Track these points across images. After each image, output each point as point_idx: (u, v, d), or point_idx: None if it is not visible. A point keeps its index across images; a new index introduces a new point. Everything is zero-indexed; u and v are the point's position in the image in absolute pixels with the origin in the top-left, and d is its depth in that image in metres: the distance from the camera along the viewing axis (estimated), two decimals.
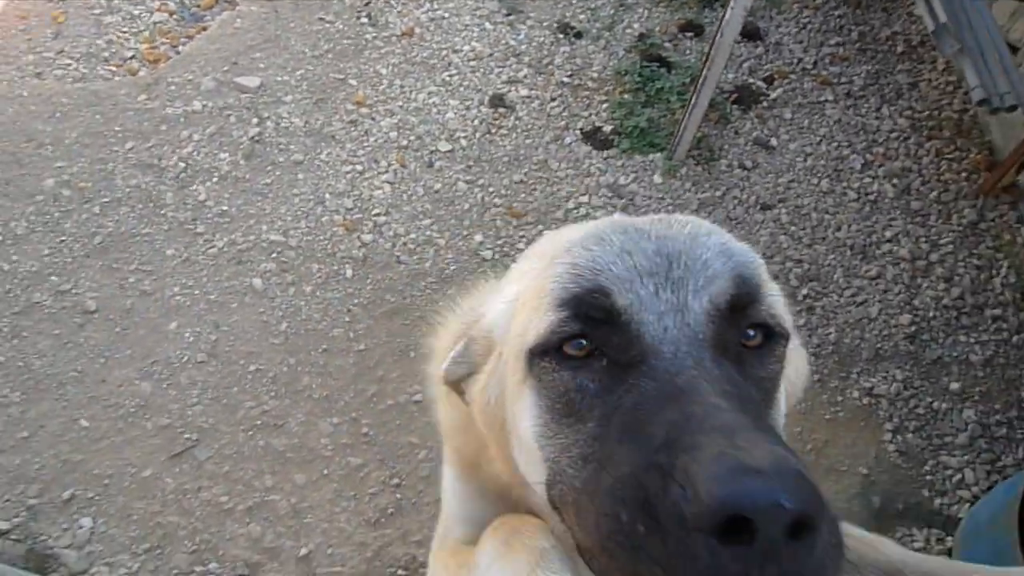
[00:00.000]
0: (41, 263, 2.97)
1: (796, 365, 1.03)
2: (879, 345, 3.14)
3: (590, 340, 0.86)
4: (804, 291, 3.26)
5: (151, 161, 3.31)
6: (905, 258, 3.40)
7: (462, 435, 1.17)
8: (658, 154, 3.60)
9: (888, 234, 3.47)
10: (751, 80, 3.99)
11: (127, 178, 3.25)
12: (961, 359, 3.14)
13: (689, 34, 4.14)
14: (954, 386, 3.06)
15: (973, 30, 2.75)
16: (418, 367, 2.86)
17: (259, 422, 2.70)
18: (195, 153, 3.36)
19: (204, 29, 3.88)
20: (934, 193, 3.64)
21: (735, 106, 3.87)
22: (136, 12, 3.89)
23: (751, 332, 0.89)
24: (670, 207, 3.45)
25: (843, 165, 3.70)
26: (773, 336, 0.90)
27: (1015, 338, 3.19)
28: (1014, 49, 3.76)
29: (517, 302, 0.96)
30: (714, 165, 3.62)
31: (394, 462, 2.67)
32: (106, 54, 3.71)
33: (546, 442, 0.88)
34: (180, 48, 3.79)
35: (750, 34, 4.17)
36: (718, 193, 3.52)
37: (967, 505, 2.77)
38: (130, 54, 3.73)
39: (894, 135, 3.85)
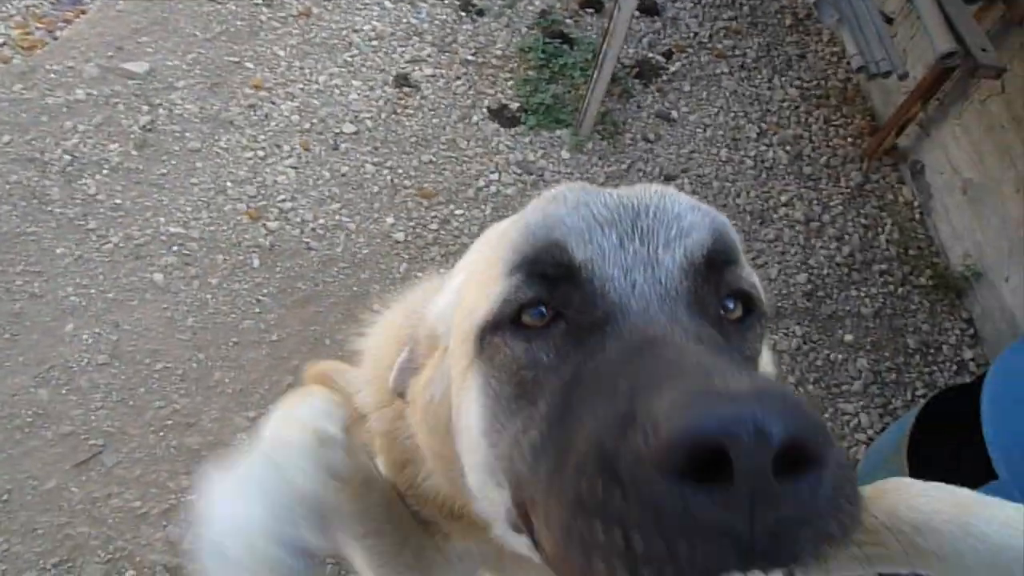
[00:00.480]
0: None
1: (766, 360, 0.89)
2: (779, 304, 3.32)
3: (550, 306, 0.71)
4: None
5: (32, 155, 3.10)
6: (800, 221, 3.59)
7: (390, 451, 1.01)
8: (565, 130, 3.65)
9: (783, 199, 3.66)
10: (651, 55, 4.09)
11: (6, 174, 3.03)
12: (853, 312, 3.35)
13: (589, 10, 4.20)
14: (848, 338, 3.27)
15: (850, 2, 2.92)
16: (333, 355, 2.82)
17: (170, 422, 2.60)
18: (81, 145, 3.17)
19: (83, 12, 3.64)
20: (824, 158, 3.85)
21: (636, 80, 3.96)
22: None
23: (730, 303, 0.76)
24: (578, 181, 3.50)
25: (740, 134, 3.86)
26: (754, 310, 0.79)
27: (900, 290, 3.44)
28: (889, 19, 4.00)
29: (464, 287, 0.83)
30: (619, 139, 3.70)
31: None
32: None
33: (496, 437, 0.72)
34: (58, 33, 3.54)
35: (648, 9, 4.27)
36: (623, 166, 3.61)
37: (863, 447, 2.98)
38: (0, 41, 3.46)
39: (785, 104, 4.04)
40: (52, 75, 3.35)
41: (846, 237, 3.58)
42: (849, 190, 3.75)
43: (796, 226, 3.57)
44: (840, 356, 3.22)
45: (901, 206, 3.73)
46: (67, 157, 3.12)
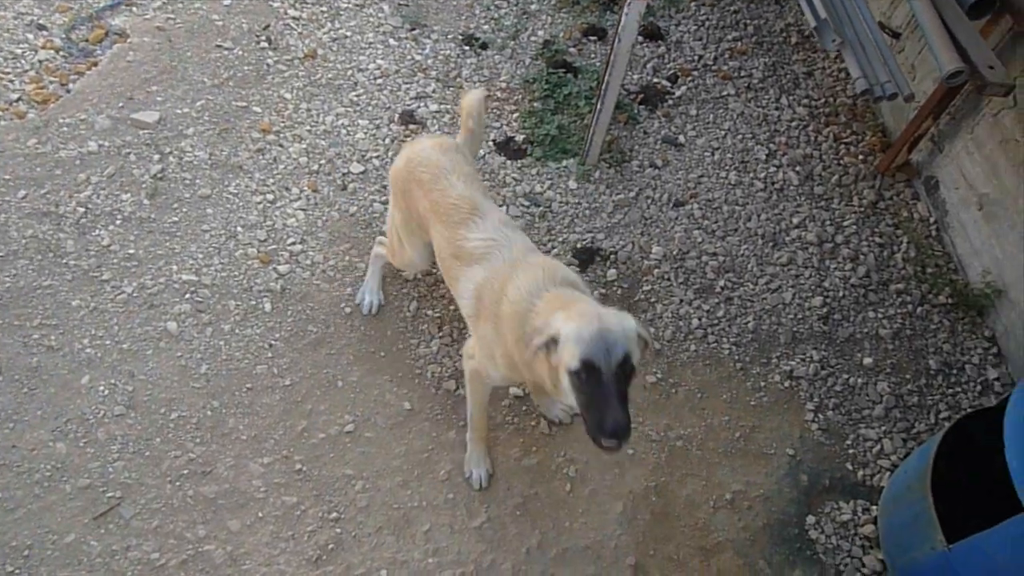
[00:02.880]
0: None
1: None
2: (795, 328, 3.27)
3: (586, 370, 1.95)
4: (721, 283, 3.36)
5: (47, 208, 3.16)
6: (813, 242, 3.55)
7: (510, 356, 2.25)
8: (571, 160, 3.65)
9: (795, 220, 3.62)
10: (656, 80, 4.09)
11: (22, 229, 3.08)
12: (872, 335, 3.30)
13: (592, 38, 4.21)
14: (867, 361, 3.21)
15: (852, 23, 2.89)
16: (347, 397, 2.83)
17: (186, 471, 2.61)
18: (94, 196, 3.22)
19: (95, 64, 3.72)
20: (835, 177, 3.81)
21: (642, 106, 3.96)
22: (19, 51, 3.69)
23: (629, 369, 1.97)
24: (587, 211, 3.50)
25: (749, 156, 3.83)
26: (633, 369, 1.98)
27: (919, 310, 3.38)
28: (896, 34, 3.97)
29: (564, 340, 1.97)
30: (626, 166, 3.69)
31: (331, 496, 2.63)
32: None
33: (576, 396, 1.99)
34: (70, 86, 3.62)
35: (651, 34, 4.27)
36: (632, 194, 3.59)
37: (887, 473, 2.92)
38: (15, 96, 3.54)
39: (794, 124, 4.01)
40: (65, 128, 3.42)
41: (861, 257, 3.53)
42: (862, 209, 3.71)
43: (809, 248, 3.53)
44: (860, 380, 3.16)
45: (916, 223, 3.68)
46: (81, 209, 3.17)
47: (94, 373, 2.78)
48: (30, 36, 3.75)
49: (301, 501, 2.61)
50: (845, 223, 3.64)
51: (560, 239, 3.39)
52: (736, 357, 3.16)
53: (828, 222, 3.63)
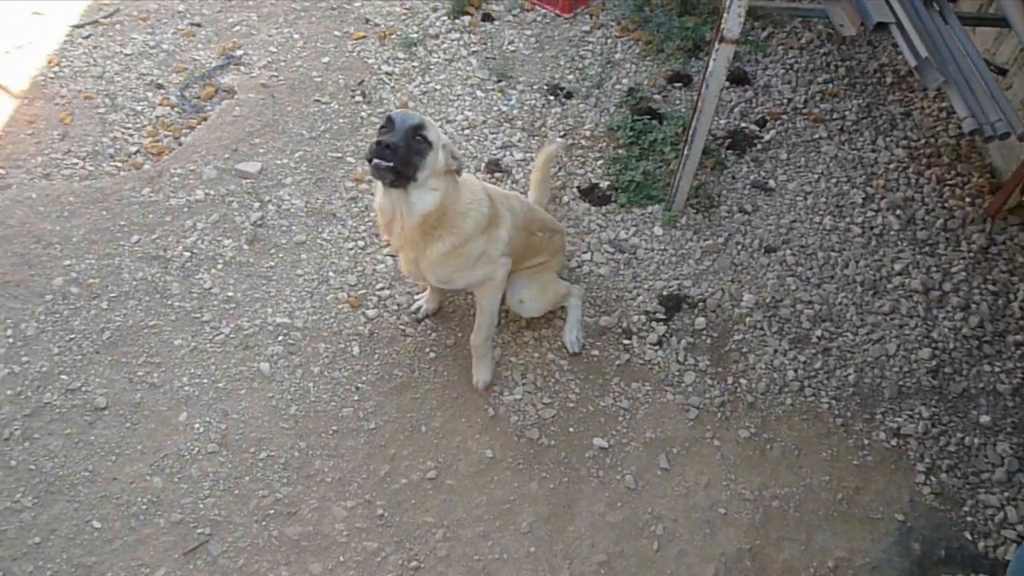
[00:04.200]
0: (51, 363, 2.99)
1: (440, 155, 2.44)
2: (901, 382, 3.06)
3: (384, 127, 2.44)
4: (818, 332, 3.20)
5: (157, 252, 3.36)
6: (918, 290, 3.34)
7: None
8: (657, 205, 3.60)
9: (897, 267, 3.42)
10: (743, 124, 4.02)
11: (133, 271, 3.29)
12: (988, 390, 3.05)
13: (678, 84, 4.20)
14: (984, 419, 2.96)
15: (956, 61, 2.76)
16: (429, 442, 2.82)
17: (272, 511, 2.65)
18: (199, 241, 3.41)
19: (205, 119, 3.99)
20: (940, 221, 3.60)
21: (730, 151, 3.89)
22: (139, 108, 4.01)
23: (420, 138, 2.36)
24: (673, 258, 3.43)
25: (844, 200, 3.68)
26: (428, 142, 2.38)
27: None
28: (1003, 71, 3.77)
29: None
30: (714, 212, 3.61)
31: (411, 544, 2.60)
32: (111, 150, 3.81)
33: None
34: (182, 139, 3.89)
35: (738, 79, 4.22)
36: (720, 240, 3.50)
37: (1013, 546, 2.64)
38: (134, 149, 3.83)
39: (892, 166, 3.83)
40: (176, 178, 3.66)
41: (973, 306, 3.29)
42: (972, 254, 3.47)
43: (914, 296, 3.32)
44: (977, 440, 2.90)
45: None
46: (186, 254, 3.35)
47: (191, 410, 2.88)
48: (149, 94, 4.07)
49: (382, 547, 2.59)
50: (953, 270, 3.42)
51: (646, 286, 3.33)
52: (836, 412, 2.97)
53: (934, 268, 3.42)
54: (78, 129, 3.89)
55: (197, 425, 2.85)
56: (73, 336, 3.07)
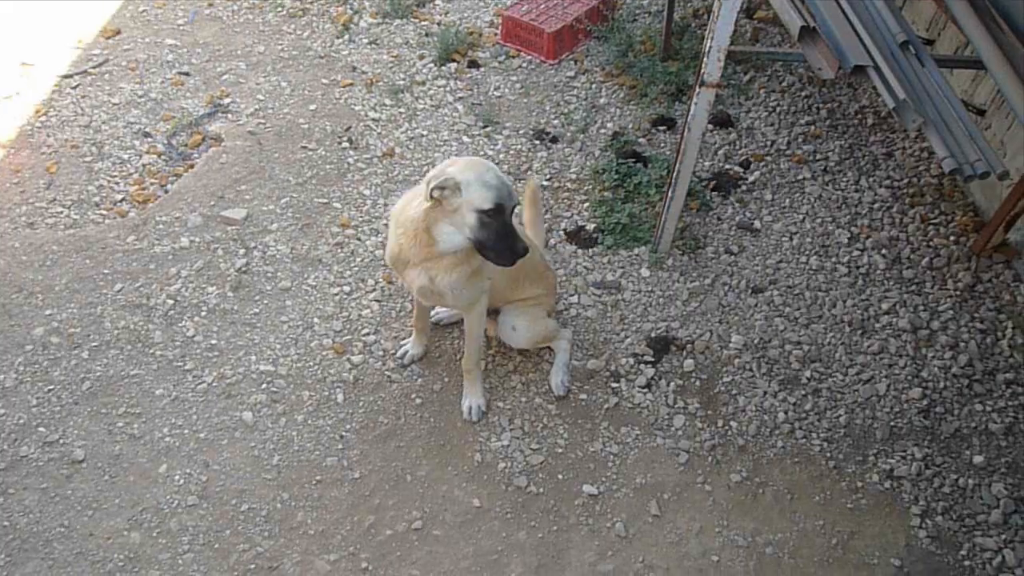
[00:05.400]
0: (29, 415, 2.93)
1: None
2: (893, 423, 3.03)
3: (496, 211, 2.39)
4: (807, 373, 3.18)
5: (140, 301, 3.33)
6: (906, 329, 3.33)
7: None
8: (643, 247, 3.60)
9: (885, 306, 3.42)
10: (728, 166, 4.06)
11: (116, 320, 3.25)
12: (981, 429, 3.02)
13: (662, 128, 4.25)
14: (978, 459, 2.92)
15: (933, 102, 2.79)
16: (415, 492, 2.76)
17: (253, 566, 2.57)
18: (183, 289, 3.38)
19: (191, 167, 4.00)
20: (925, 260, 3.61)
21: (715, 193, 3.91)
22: (126, 156, 4.02)
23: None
24: (660, 299, 3.42)
25: (829, 240, 3.70)
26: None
27: None
28: (981, 112, 3.83)
29: (468, 184, 2.40)
30: (700, 253, 3.62)
31: None
32: (97, 199, 3.80)
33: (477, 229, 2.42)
34: (168, 187, 3.89)
35: (722, 122, 4.28)
36: (707, 281, 3.50)
37: None
38: (120, 197, 3.82)
39: (876, 206, 3.86)
40: (161, 225, 3.64)
41: (961, 345, 3.28)
42: (958, 292, 3.48)
43: (902, 335, 3.31)
44: (971, 481, 2.86)
45: (1021, 306, 3.41)
46: (170, 301, 3.32)
47: (171, 462, 2.82)
48: (136, 143, 4.09)
49: None
50: (940, 308, 3.42)
51: (634, 328, 3.31)
52: (828, 454, 2.93)
53: (921, 307, 3.42)
54: (64, 178, 3.89)
55: (177, 477, 2.78)
56: (52, 387, 3.02)
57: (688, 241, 3.63)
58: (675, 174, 3.27)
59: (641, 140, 4.17)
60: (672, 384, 3.12)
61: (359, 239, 3.64)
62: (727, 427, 3.01)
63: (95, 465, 2.81)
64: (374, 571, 2.58)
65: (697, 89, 3.00)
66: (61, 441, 2.86)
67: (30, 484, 2.75)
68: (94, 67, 4.54)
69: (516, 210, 2.48)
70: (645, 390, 3.10)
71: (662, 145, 4.16)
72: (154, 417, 2.95)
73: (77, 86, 4.41)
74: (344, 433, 2.93)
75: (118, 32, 4.81)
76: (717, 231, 3.73)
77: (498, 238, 2.41)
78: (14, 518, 2.66)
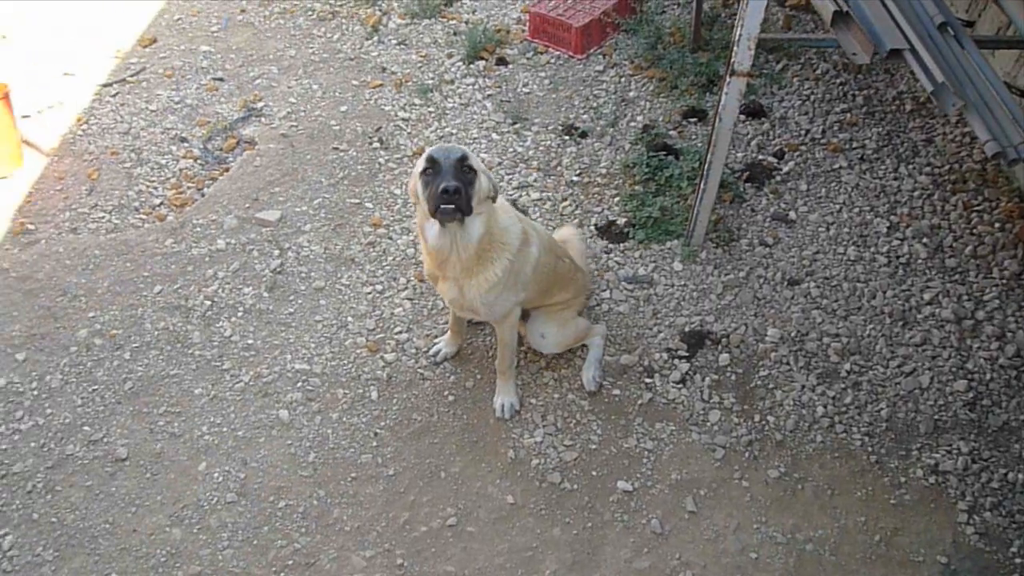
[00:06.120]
0: (74, 414, 3.01)
1: (483, 180, 2.46)
2: (937, 416, 2.95)
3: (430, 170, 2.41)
4: (847, 366, 3.10)
5: (178, 302, 3.40)
6: (950, 319, 3.24)
7: None
8: (675, 241, 3.56)
9: (927, 296, 3.33)
10: (761, 156, 3.99)
11: (156, 321, 3.32)
12: None
13: (693, 120, 4.19)
14: None
15: (974, 84, 2.71)
16: (449, 488, 2.77)
17: (290, 562, 2.61)
18: (220, 290, 3.44)
19: (226, 170, 4.07)
20: (969, 248, 3.50)
21: (748, 184, 3.85)
22: (163, 161, 4.11)
23: (466, 168, 2.39)
24: (694, 293, 3.37)
25: (868, 230, 3.61)
26: (474, 171, 2.41)
27: None
28: (1023, 93, 3.70)
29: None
30: (734, 245, 3.56)
31: None
32: (136, 203, 3.90)
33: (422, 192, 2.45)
34: (204, 191, 3.96)
35: (754, 112, 4.20)
36: (742, 273, 3.44)
37: None
38: (158, 201, 3.91)
39: (916, 193, 3.76)
40: (198, 228, 3.72)
41: (1008, 335, 3.17)
42: (1004, 281, 3.37)
43: (946, 326, 3.22)
44: (1021, 476, 2.77)
45: None
46: (207, 303, 3.39)
47: (211, 460, 2.87)
48: (174, 148, 4.18)
49: None
50: (986, 298, 3.31)
51: (667, 323, 3.27)
52: (870, 449, 2.86)
53: (965, 297, 3.32)
54: (105, 184, 3.99)
55: (216, 475, 2.83)
56: (96, 387, 3.10)
57: (722, 233, 3.58)
58: (707, 166, 3.22)
59: (672, 133, 4.12)
60: (707, 379, 3.08)
61: (391, 238, 3.66)
62: (764, 422, 2.95)
63: (137, 463, 2.88)
64: (409, 567, 2.59)
65: (727, 78, 2.95)
66: (105, 440, 2.94)
67: (76, 481, 2.82)
68: (132, 75, 4.65)
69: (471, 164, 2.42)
70: (679, 385, 3.06)
71: (693, 137, 4.10)
72: (193, 416, 3.01)
73: (116, 94, 4.53)
74: (378, 430, 2.95)
75: (154, 41, 4.92)
76: (751, 223, 3.67)
77: (428, 186, 2.40)
78: (61, 514, 2.74)
